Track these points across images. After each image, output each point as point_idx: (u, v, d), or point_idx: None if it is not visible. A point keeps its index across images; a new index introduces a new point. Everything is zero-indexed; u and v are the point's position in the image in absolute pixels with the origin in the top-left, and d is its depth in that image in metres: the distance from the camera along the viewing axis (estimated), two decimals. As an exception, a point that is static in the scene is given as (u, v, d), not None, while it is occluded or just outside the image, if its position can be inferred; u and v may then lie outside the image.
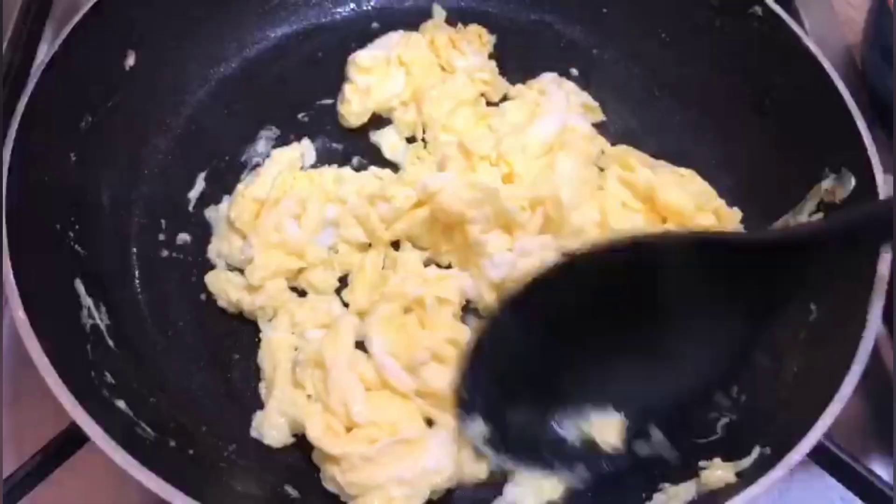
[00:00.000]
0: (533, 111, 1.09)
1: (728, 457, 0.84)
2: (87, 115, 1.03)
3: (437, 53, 1.17)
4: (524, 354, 0.87)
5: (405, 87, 1.14)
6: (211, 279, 1.01)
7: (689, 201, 1.03)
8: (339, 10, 1.26)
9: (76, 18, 1.02)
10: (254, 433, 0.92)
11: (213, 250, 1.04)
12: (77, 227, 0.97)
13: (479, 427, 0.86)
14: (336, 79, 1.17)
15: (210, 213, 1.07)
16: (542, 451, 0.87)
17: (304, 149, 1.12)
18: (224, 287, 0.99)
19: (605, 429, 0.87)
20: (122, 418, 0.84)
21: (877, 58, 1.23)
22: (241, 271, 0.99)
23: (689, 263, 0.83)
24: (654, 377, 0.87)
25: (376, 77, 1.14)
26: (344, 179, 1.05)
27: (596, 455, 0.87)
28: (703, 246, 0.84)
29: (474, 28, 1.21)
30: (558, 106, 1.09)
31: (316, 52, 1.22)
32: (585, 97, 1.16)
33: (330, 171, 1.07)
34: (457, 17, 1.23)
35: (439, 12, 1.24)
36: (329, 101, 1.16)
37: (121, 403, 0.85)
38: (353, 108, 1.13)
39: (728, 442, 0.89)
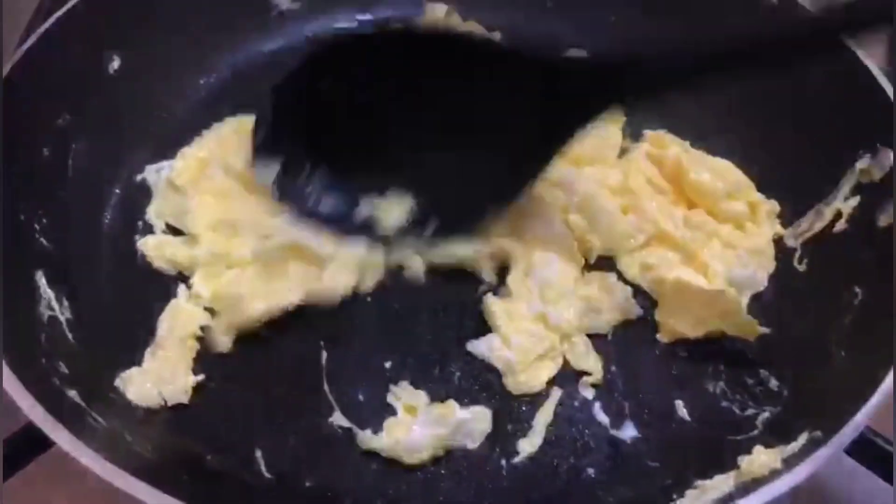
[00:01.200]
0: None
1: (771, 446, 0.74)
2: (66, 113, 0.98)
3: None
4: (327, 116, 0.90)
5: None
6: (146, 242, 0.96)
7: (720, 186, 0.97)
8: (335, 24, 1.21)
9: (59, 13, 0.98)
10: (118, 383, 0.83)
11: (152, 211, 1.00)
12: (44, 220, 0.91)
13: (271, 173, 0.90)
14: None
15: (151, 176, 1.03)
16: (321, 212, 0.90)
17: None
18: (159, 247, 0.95)
19: (391, 208, 0.90)
20: (73, 406, 0.75)
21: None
22: (176, 232, 0.97)
23: (504, 71, 0.84)
24: (446, 169, 0.89)
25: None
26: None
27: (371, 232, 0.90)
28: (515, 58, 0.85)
29: (472, 24, 1.16)
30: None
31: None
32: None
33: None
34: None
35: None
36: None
37: (72, 393, 0.76)
38: None
39: (770, 435, 0.79)
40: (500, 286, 0.93)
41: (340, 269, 0.90)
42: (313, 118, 0.91)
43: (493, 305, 0.90)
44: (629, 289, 0.92)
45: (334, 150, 0.91)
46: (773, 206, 0.99)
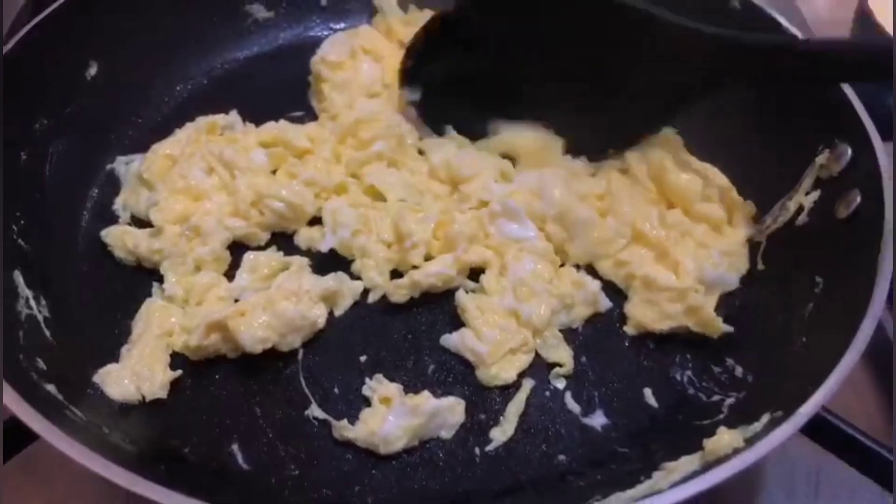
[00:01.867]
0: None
1: (734, 427, 0.76)
2: (42, 118, 1.00)
3: (396, 38, 1.16)
4: (470, 52, 1.03)
5: (384, 72, 1.12)
6: (109, 232, 0.98)
7: (693, 189, 0.99)
8: (309, 33, 1.24)
9: (37, 19, 1.00)
10: (96, 379, 0.84)
11: (120, 202, 1.03)
12: (22, 222, 0.92)
13: (415, 95, 1.07)
14: (305, 93, 1.15)
15: (120, 167, 1.05)
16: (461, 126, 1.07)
17: (232, 119, 1.09)
18: (121, 237, 0.97)
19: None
20: (52, 400, 0.76)
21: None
22: (141, 225, 0.98)
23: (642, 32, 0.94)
24: (573, 107, 1.02)
25: (347, 71, 1.11)
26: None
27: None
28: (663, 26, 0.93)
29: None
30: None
31: (285, 70, 1.18)
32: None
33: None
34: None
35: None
36: (299, 114, 1.12)
37: (51, 388, 0.77)
38: (337, 103, 1.09)
39: (734, 418, 0.81)
40: (474, 285, 0.95)
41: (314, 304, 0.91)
42: (458, 54, 1.03)
43: (467, 301, 0.92)
44: (598, 283, 0.94)
45: (473, 82, 1.04)
46: (750, 207, 1.01)
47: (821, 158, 0.94)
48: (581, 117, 1.02)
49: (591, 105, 1.01)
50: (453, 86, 1.06)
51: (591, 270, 0.97)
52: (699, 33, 0.92)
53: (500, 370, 0.88)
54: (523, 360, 0.89)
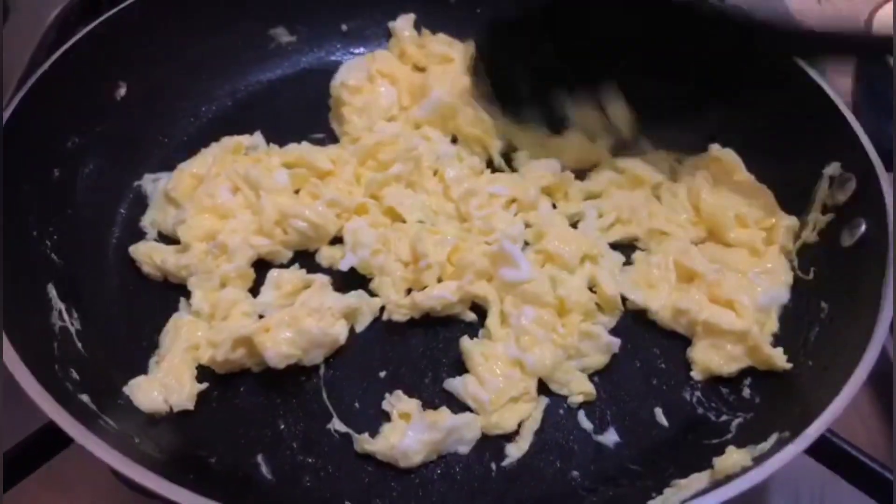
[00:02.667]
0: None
1: (742, 446, 0.79)
2: (75, 136, 1.03)
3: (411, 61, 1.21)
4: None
5: (400, 95, 1.15)
6: (137, 248, 1.01)
7: (727, 215, 1.02)
8: (330, 57, 1.27)
9: (69, 42, 1.03)
10: (126, 390, 0.87)
11: (147, 219, 1.06)
12: (55, 237, 0.96)
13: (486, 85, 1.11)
14: (326, 115, 1.18)
15: (148, 185, 1.09)
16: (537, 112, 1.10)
17: (256, 140, 1.12)
18: (149, 253, 1.00)
19: (618, 112, 1.07)
20: (86, 410, 0.79)
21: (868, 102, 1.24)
22: (169, 242, 1.01)
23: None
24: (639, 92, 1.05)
25: (366, 95, 1.14)
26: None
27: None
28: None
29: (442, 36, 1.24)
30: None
31: (306, 93, 1.22)
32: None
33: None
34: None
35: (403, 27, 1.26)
36: (320, 136, 1.15)
37: (84, 397, 0.81)
38: (358, 126, 1.13)
39: (742, 437, 0.84)
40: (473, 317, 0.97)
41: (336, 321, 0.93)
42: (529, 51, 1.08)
43: (471, 347, 0.92)
44: (606, 335, 0.93)
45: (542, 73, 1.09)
46: (792, 221, 1.01)
47: (825, 187, 0.98)
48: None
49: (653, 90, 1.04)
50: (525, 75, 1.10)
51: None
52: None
53: (501, 419, 0.88)
54: (524, 409, 0.90)
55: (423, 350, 0.95)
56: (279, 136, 1.13)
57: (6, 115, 0.94)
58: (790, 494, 0.92)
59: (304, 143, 1.11)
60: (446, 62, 1.18)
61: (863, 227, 0.92)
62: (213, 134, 1.14)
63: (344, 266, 0.97)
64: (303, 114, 1.20)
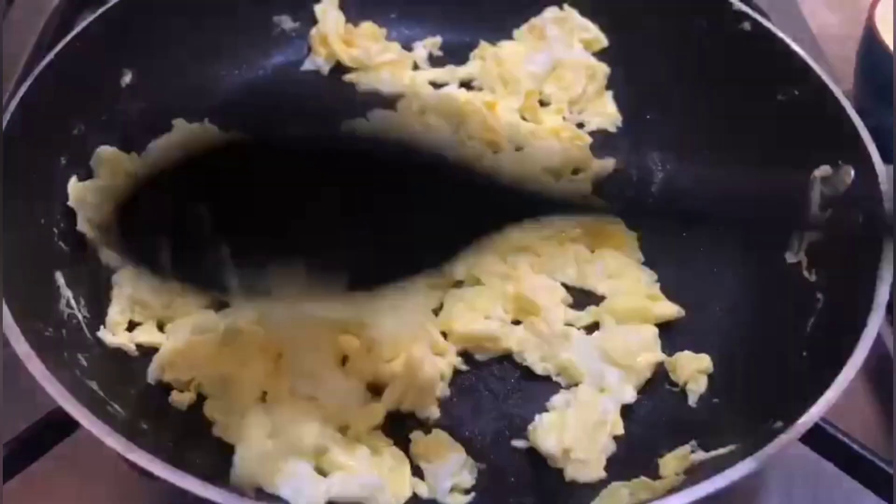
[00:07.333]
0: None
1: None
2: (80, 124, 1.04)
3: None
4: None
5: None
6: None
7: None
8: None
9: (75, 30, 1.05)
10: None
11: None
12: (62, 224, 0.97)
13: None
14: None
15: None
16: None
17: None
18: None
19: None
20: (94, 396, 0.80)
21: (870, 96, 1.24)
22: None
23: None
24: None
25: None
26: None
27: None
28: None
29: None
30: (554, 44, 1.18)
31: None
32: (587, 25, 1.22)
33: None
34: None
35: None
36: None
37: (93, 384, 0.82)
38: None
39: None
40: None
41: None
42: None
43: None
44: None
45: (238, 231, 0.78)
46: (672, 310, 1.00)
47: (821, 174, 0.98)
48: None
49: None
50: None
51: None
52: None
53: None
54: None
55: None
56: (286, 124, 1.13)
57: (12, 103, 0.94)
58: (785, 484, 0.94)
59: None
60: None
61: (860, 219, 0.93)
62: (225, 121, 1.11)
63: None
64: (315, 99, 1.20)
